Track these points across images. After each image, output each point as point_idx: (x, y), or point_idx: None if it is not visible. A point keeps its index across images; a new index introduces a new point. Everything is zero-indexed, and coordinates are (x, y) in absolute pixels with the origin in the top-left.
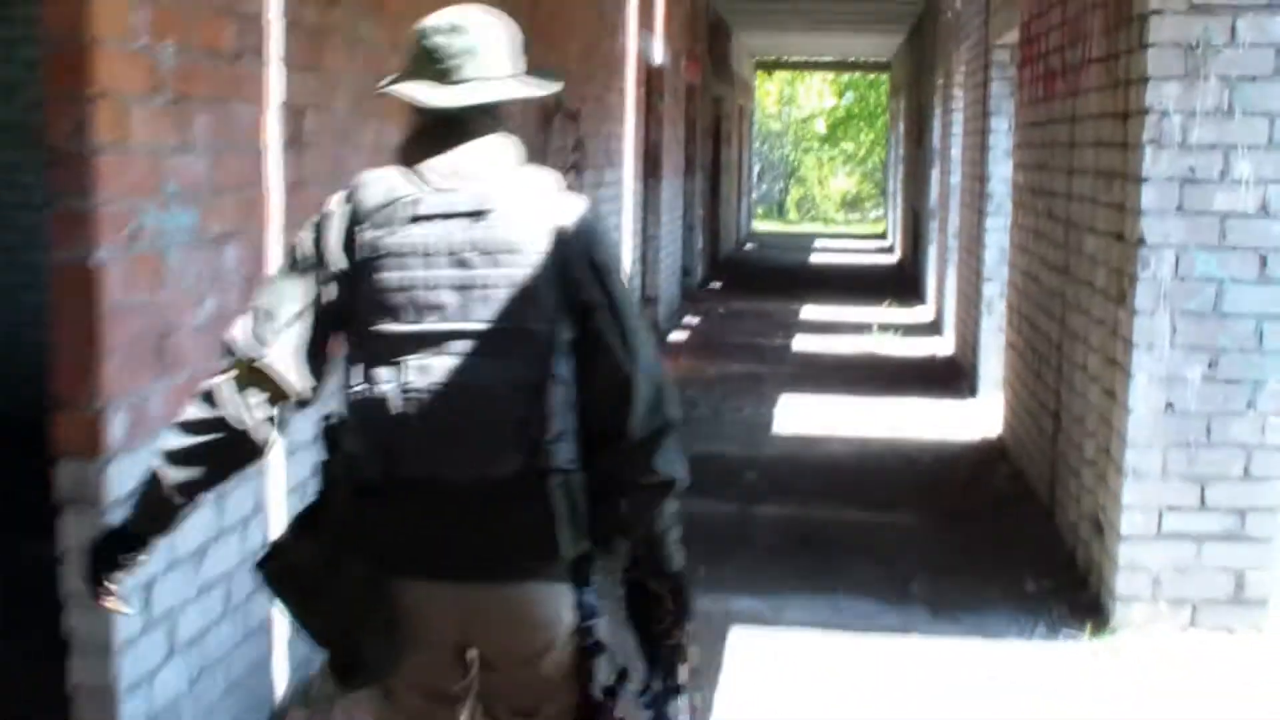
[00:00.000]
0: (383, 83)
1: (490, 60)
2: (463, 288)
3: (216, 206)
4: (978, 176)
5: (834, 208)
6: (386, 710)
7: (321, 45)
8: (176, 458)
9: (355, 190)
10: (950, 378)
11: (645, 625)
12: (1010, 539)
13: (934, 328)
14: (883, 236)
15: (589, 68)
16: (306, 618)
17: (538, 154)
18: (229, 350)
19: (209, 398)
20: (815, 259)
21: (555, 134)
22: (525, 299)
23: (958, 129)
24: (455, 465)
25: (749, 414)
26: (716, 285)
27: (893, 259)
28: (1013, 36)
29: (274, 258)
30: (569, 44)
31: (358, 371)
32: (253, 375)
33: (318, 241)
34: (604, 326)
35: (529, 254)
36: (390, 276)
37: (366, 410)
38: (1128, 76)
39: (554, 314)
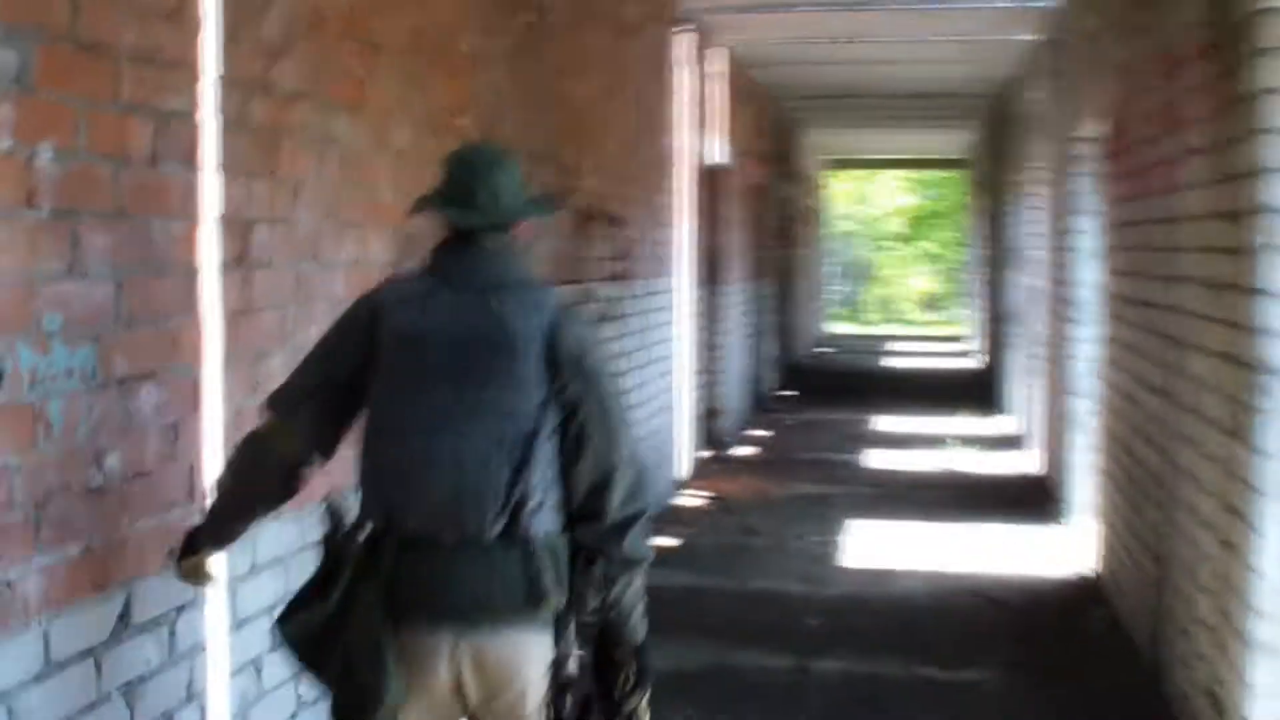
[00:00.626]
0: (417, 203)
1: (503, 189)
2: (464, 375)
3: (124, 341)
4: (1061, 281)
5: (914, 308)
6: None
7: (276, 147)
8: (221, 487)
9: (384, 285)
10: (1037, 500)
11: (608, 689)
12: (1107, 706)
13: (1017, 442)
14: (961, 339)
15: (632, 167)
16: (319, 667)
17: (573, 261)
18: (267, 408)
19: (247, 444)
20: (891, 362)
21: (596, 240)
22: (517, 389)
23: (1037, 228)
24: (449, 527)
25: (814, 543)
26: (787, 394)
27: (970, 363)
28: (1099, 127)
29: (212, 396)
30: (605, 142)
31: (370, 442)
32: (281, 433)
33: (347, 327)
34: (588, 421)
35: (524, 350)
36: (402, 361)
37: (376, 475)
38: (1237, 169)
39: (541, 404)
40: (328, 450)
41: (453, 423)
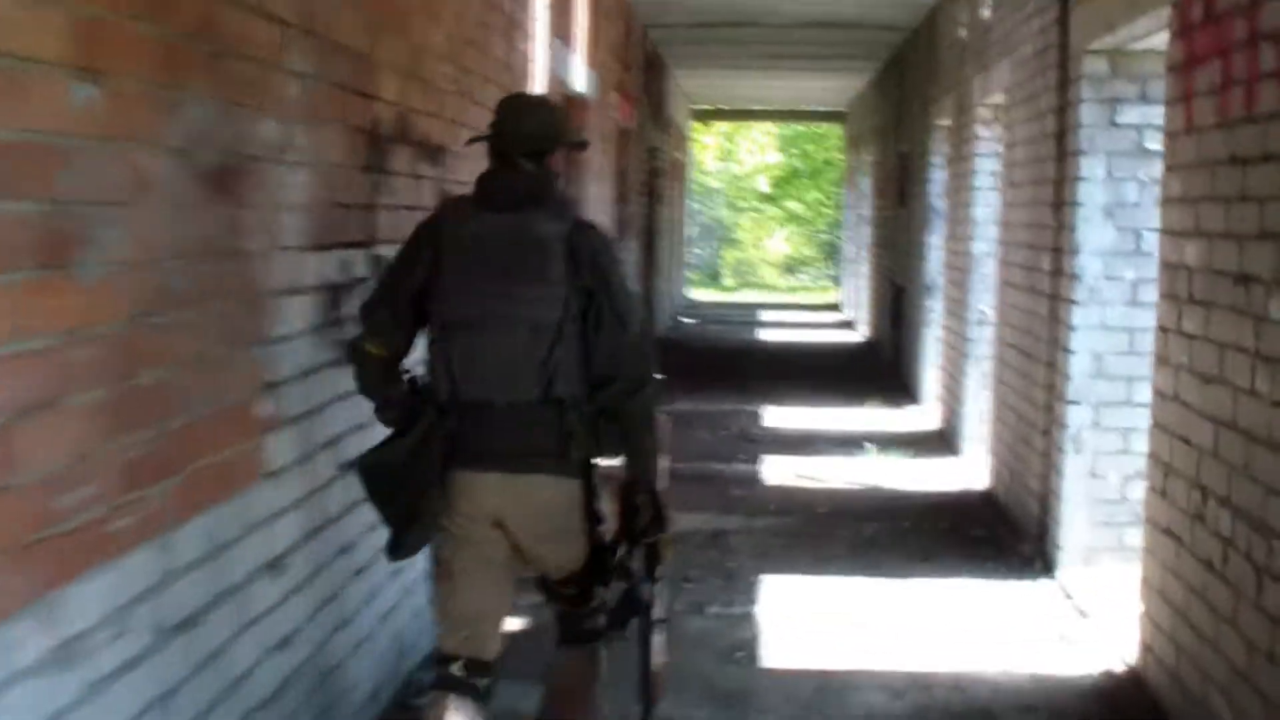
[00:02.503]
0: (471, 138)
1: (538, 125)
2: (504, 275)
3: None
4: (1046, 248)
5: (773, 273)
6: (448, 588)
7: None
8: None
9: (439, 208)
10: (1002, 534)
11: (631, 528)
12: None
13: (944, 441)
14: (836, 308)
15: (468, 78)
16: (387, 500)
17: (354, 211)
18: (359, 319)
19: (349, 351)
20: (766, 335)
21: (398, 179)
22: (546, 283)
23: (986, 180)
24: (496, 392)
25: (715, 625)
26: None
27: (857, 337)
28: (1138, 30)
29: None
30: (427, 36)
31: (436, 328)
32: (370, 339)
33: (413, 246)
34: (603, 306)
35: (551, 251)
36: (458, 266)
37: (440, 354)
38: None
39: (566, 294)
40: (408, 345)
41: (498, 312)
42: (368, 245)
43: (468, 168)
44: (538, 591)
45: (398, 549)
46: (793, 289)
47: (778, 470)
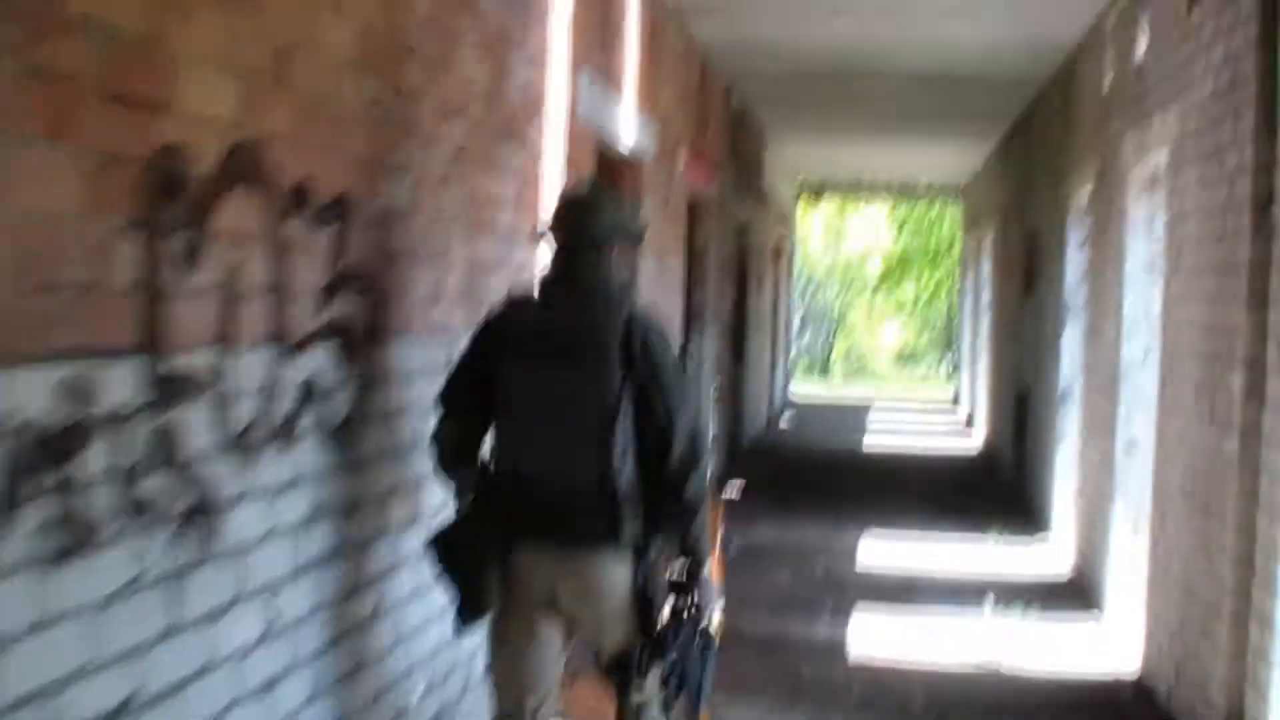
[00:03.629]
0: (536, 232)
1: (600, 218)
2: (564, 364)
3: None
4: (1235, 361)
5: (885, 363)
6: (501, 650)
7: None
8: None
9: (504, 301)
10: None
11: (679, 606)
12: None
13: (1080, 594)
14: (952, 405)
15: (394, 94)
16: (455, 575)
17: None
18: (436, 406)
19: (432, 441)
20: (872, 440)
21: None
22: (603, 373)
23: (1139, 265)
24: (553, 476)
25: None
26: (734, 494)
27: (974, 442)
28: None
29: None
30: (320, 22)
31: (501, 414)
32: (449, 424)
33: (481, 337)
34: (654, 397)
35: (606, 344)
36: (521, 355)
37: (504, 437)
38: None
39: (620, 384)
40: (483, 426)
41: (558, 398)
42: (149, 351)
43: (413, 228)
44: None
45: (463, 621)
46: (907, 382)
47: (868, 635)
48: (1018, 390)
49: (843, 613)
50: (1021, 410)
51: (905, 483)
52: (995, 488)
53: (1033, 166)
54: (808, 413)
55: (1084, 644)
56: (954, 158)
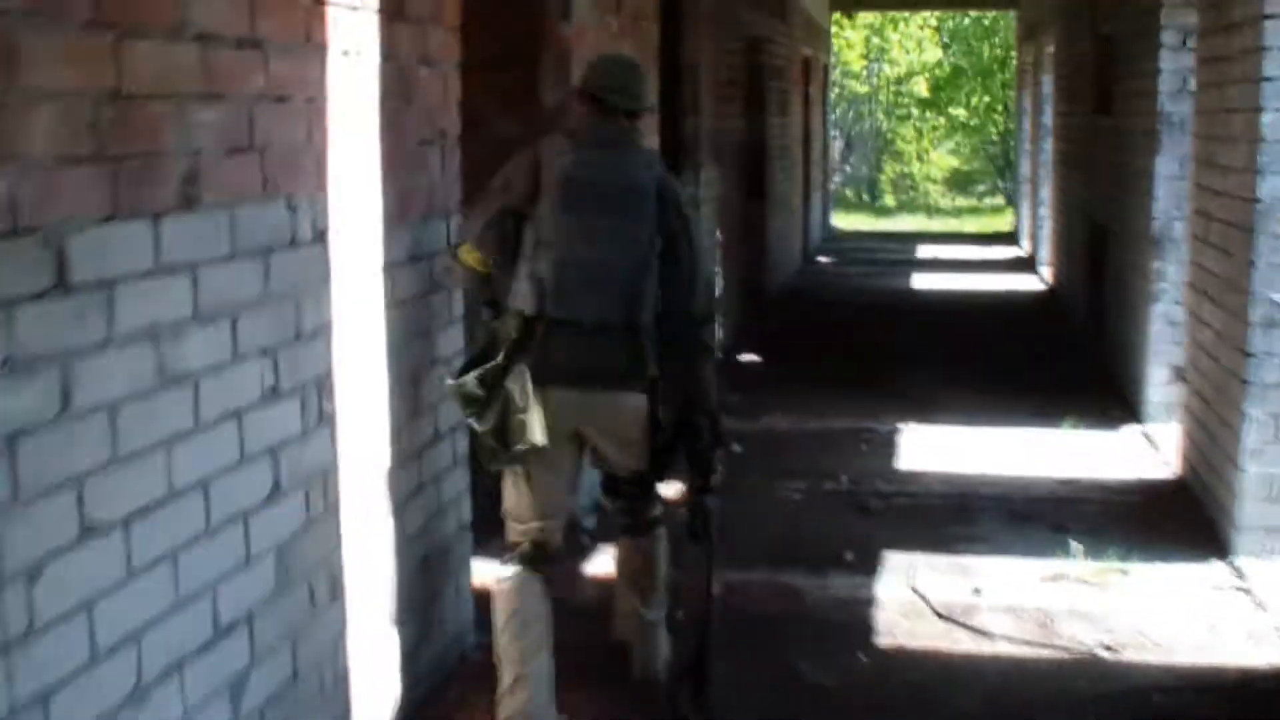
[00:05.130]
0: (583, 90)
1: (640, 86)
2: (601, 208)
3: None
4: None
5: (938, 189)
6: (523, 488)
7: None
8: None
9: (541, 142)
10: None
11: (690, 445)
12: None
13: (1193, 509)
14: (1011, 239)
15: None
16: (479, 416)
17: None
18: (461, 229)
19: (453, 258)
20: (921, 281)
21: None
22: (637, 220)
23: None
24: (584, 312)
25: None
26: (750, 359)
27: (1037, 283)
28: None
29: None
30: None
31: (530, 251)
32: (473, 251)
33: (517, 171)
34: (680, 247)
35: (645, 192)
36: (559, 195)
37: (536, 275)
38: None
39: (653, 230)
40: (504, 258)
41: (593, 241)
42: None
43: None
44: (603, 494)
45: (496, 459)
46: (960, 210)
47: (901, 597)
48: (1092, 226)
49: (867, 556)
50: (1097, 251)
51: (958, 338)
52: (1067, 347)
53: None
54: (851, 248)
55: (1216, 603)
56: None
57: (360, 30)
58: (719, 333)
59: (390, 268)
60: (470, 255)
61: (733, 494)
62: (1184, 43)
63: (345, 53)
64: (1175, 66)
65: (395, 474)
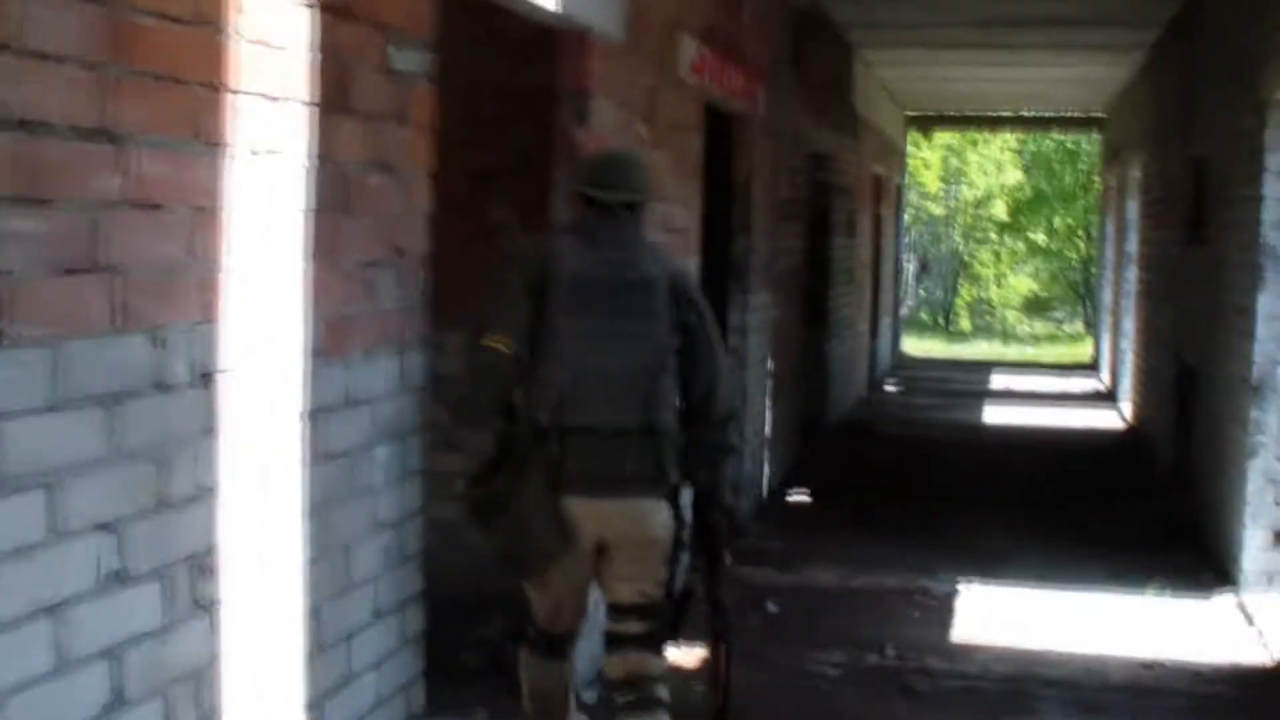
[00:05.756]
0: (576, 187)
1: (637, 178)
2: (613, 309)
3: None
4: None
5: (1015, 314)
6: (542, 592)
7: None
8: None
9: (544, 242)
10: None
11: (709, 544)
12: None
13: None
14: (1090, 369)
15: None
16: (493, 531)
17: None
18: (490, 333)
19: (481, 352)
20: (992, 416)
21: None
22: (651, 319)
23: None
24: (601, 419)
25: None
26: (802, 497)
27: (1114, 417)
28: None
29: None
30: None
31: (541, 357)
32: (504, 345)
33: (528, 271)
34: (699, 344)
35: (655, 291)
36: (568, 298)
37: (550, 381)
38: None
39: (668, 330)
40: (518, 354)
41: (606, 344)
42: None
43: None
44: (606, 653)
45: (517, 568)
46: (1037, 338)
47: None
48: (1180, 364)
49: None
50: (1185, 392)
51: (1030, 481)
52: (1150, 496)
53: (1200, 73)
54: (921, 376)
55: None
56: (1091, 76)
57: (281, 125)
58: (739, 431)
59: (316, 414)
60: (499, 340)
61: (759, 664)
62: None
63: (255, 152)
64: None
65: (312, 666)
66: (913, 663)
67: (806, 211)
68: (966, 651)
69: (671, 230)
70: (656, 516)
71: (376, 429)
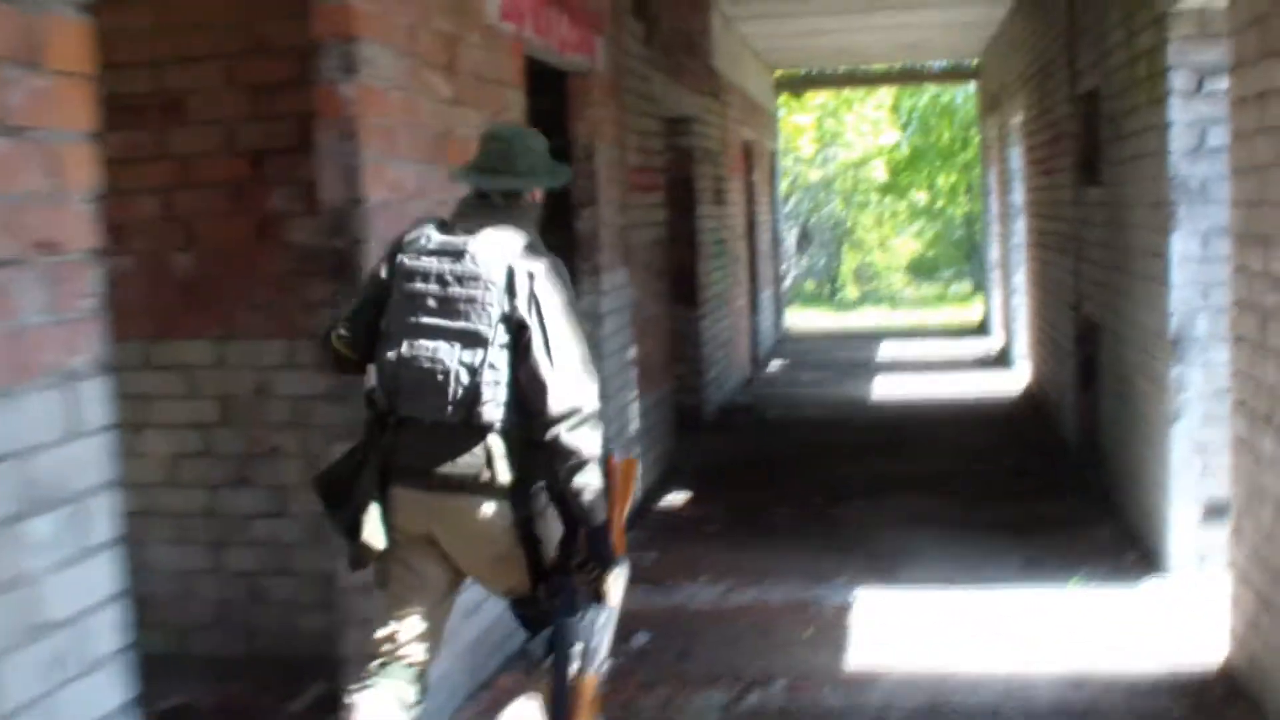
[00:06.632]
0: (455, 170)
1: (520, 161)
2: (439, 299)
3: None
4: None
5: (901, 278)
6: (379, 570)
7: None
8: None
9: (408, 228)
10: None
11: (566, 565)
12: None
13: (1244, 709)
14: (981, 330)
15: None
16: (336, 515)
17: None
18: (332, 324)
19: (323, 348)
20: (883, 387)
21: None
22: (476, 310)
23: None
24: (424, 411)
25: None
26: (676, 497)
27: (1010, 383)
28: None
29: None
30: None
31: (382, 345)
32: (339, 342)
33: (378, 263)
34: (533, 338)
35: (484, 280)
36: (402, 286)
37: (382, 370)
38: None
39: (494, 324)
40: (369, 351)
41: (429, 334)
42: None
43: None
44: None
45: (351, 562)
46: (925, 300)
47: None
48: (1081, 320)
49: None
50: (1088, 350)
51: (926, 459)
52: (1057, 468)
53: (1070, 24)
54: (806, 351)
55: None
56: (965, 19)
57: None
58: (597, 435)
59: None
60: (339, 341)
61: (625, 714)
62: (1200, 86)
63: None
64: (1191, 117)
65: None
66: (805, 698)
67: (666, 180)
68: (866, 682)
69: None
70: (484, 515)
71: (28, 494)
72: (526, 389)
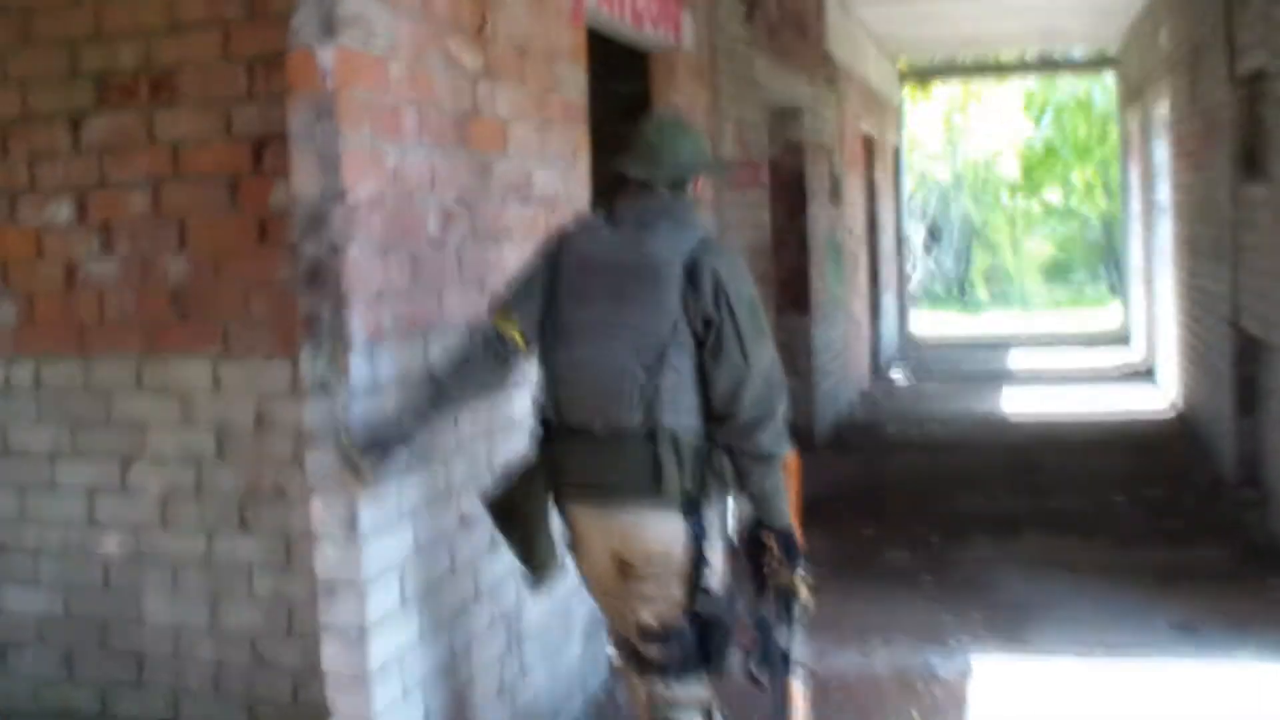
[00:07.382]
0: (615, 160)
1: (682, 151)
2: (614, 296)
3: None
4: None
5: (1034, 282)
6: (583, 578)
7: None
8: (447, 369)
9: (573, 222)
10: None
11: (757, 568)
12: None
13: None
14: (1119, 339)
15: None
16: (512, 535)
17: None
18: (491, 310)
19: (475, 334)
20: (1014, 403)
21: None
22: (655, 308)
23: None
24: (595, 416)
25: None
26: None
27: (1154, 399)
28: None
29: None
30: None
31: (545, 347)
32: (504, 326)
33: (541, 254)
34: (723, 336)
35: (664, 276)
36: (572, 282)
37: (548, 378)
38: None
39: (676, 321)
40: (530, 344)
41: (602, 334)
42: None
43: None
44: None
45: (529, 582)
46: (1059, 304)
47: None
48: (1240, 335)
49: None
50: (1252, 370)
51: (1057, 489)
52: (1213, 507)
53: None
54: (932, 359)
55: None
56: (1105, 4)
57: None
58: (783, 434)
59: None
60: (506, 323)
61: None
62: None
63: None
64: None
65: None
66: None
67: (774, 177)
68: None
69: (528, 201)
70: (659, 529)
71: None
72: (717, 389)
